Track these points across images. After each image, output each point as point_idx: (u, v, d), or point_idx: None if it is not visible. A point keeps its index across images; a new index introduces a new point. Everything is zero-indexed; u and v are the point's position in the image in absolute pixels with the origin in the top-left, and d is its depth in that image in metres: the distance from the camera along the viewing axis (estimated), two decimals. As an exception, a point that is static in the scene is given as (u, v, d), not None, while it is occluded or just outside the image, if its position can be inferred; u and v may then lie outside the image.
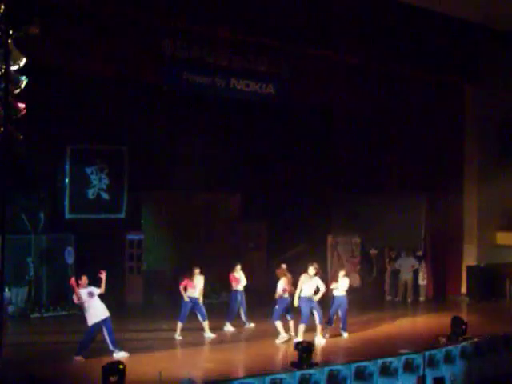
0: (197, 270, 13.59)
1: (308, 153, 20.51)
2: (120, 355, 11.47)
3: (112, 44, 13.65)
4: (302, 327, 12.90)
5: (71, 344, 12.16)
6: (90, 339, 11.79)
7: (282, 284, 13.33)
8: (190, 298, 13.40)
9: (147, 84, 15.64)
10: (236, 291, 14.62)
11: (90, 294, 11.81)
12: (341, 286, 13.87)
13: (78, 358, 11.51)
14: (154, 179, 17.97)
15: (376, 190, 20.15)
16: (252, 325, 14.73)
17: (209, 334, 13.51)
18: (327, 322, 13.83)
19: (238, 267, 14.73)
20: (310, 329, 13.12)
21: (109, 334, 11.77)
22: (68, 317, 15.48)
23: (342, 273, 14.13)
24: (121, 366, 8.92)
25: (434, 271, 19.42)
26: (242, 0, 14.63)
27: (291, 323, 13.23)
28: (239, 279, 14.64)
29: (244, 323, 14.72)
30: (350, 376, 10.36)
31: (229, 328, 14.40)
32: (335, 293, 13.86)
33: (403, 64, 17.39)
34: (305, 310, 12.95)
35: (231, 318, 14.56)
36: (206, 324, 13.54)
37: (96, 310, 11.75)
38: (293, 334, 13.22)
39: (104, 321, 11.75)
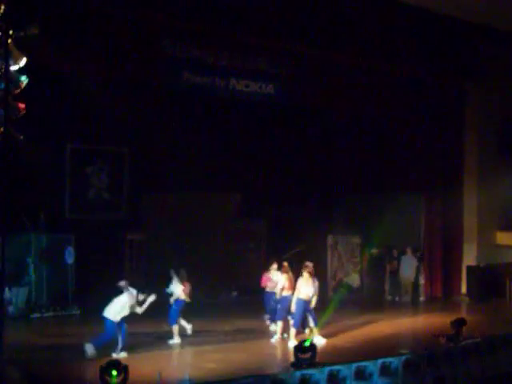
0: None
1: (308, 153, 20.51)
2: (121, 355, 11.54)
3: (112, 44, 13.64)
4: (293, 331, 12.90)
5: (71, 344, 12.17)
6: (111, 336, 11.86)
7: (282, 281, 13.34)
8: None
9: (147, 84, 15.63)
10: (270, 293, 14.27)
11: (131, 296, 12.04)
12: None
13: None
14: (153, 179, 17.96)
15: (376, 190, 20.14)
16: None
17: (174, 340, 13.10)
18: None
19: (275, 266, 14.42)
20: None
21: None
22: (68, 317, 15.47)
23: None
24: (114, 372, 8.96)
25: (434, 271, 19.41)
26: (241, 0, 14.63)
27: (291, 322, 13.22)
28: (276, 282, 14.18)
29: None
30: (350, 376, 10.38)
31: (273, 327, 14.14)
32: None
33: (403, 64, 17.39)
34: (298, 315, 12.94)
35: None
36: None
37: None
38: (286, 335, 13.24)
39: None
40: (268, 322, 14.36)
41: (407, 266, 18.73)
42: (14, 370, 10.23)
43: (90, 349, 11.54)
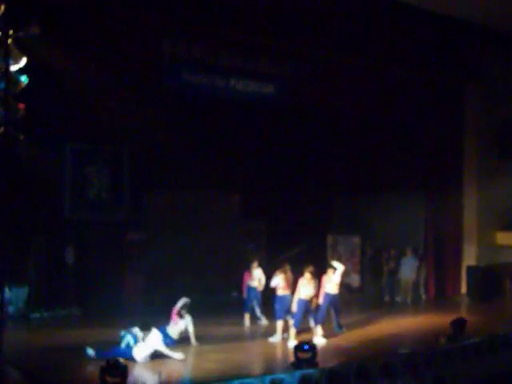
0: None
1: (307, 152, 20.50)
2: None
3: (112, 44, 13.64)
4: (293, 331, 12.90)
5: (71, 344, 12.15)
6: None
7: (278, 279, 13.34)
8: None
9: (147, 84, 15.62)
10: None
11: None
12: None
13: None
14: (154, 179, 17.95)
15: (376, 190, 20.13)
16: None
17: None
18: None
19: (256, 264, 15.07)
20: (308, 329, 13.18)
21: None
22: (68, 317, 15.47)
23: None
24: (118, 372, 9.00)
25: (434, 271, 19.41)
26: (241, 0, 14.63)
27: (292, 322, 13.22)
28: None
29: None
30: (350, 376, 10.38)
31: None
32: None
33: (403, 64, 17.39)
34: (299, 315, 12.94)
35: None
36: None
37: None
38: (285, 335, 13.24)
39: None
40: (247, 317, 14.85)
41: (408, 267, 18.64)
42: (13, 370, 10.22)
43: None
